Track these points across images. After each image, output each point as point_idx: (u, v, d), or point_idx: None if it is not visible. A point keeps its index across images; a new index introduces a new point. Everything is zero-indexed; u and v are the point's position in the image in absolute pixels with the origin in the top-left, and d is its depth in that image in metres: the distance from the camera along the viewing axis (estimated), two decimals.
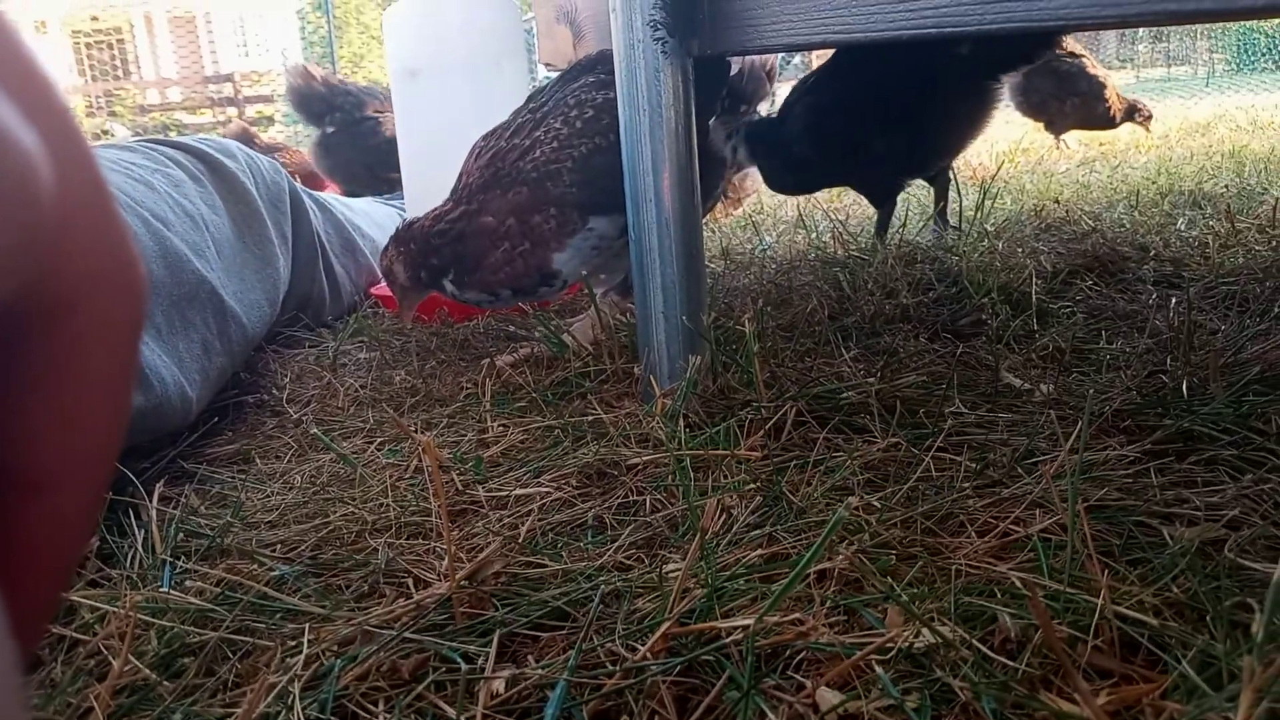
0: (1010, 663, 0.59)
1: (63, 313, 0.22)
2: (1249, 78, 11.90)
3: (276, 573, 0.75)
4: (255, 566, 0.77)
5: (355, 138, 2.92)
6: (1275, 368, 1.05)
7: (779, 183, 2.07)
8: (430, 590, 0.70)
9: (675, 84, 1.11)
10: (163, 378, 1.00)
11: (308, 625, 0.66)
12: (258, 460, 1.05)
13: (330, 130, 2.95)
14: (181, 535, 0.82)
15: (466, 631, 0.68)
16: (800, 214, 2.42)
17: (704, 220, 2.06)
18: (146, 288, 0.25)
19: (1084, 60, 3.62)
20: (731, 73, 1.55)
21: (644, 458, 0.93)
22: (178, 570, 0.77)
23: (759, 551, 0.72)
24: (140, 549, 0.81)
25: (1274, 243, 1.69)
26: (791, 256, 1.92)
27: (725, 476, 0.87)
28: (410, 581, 0.75)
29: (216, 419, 1.17)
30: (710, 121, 1.47)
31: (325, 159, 2.98)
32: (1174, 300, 1.35)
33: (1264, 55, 15.63)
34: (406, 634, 0.66)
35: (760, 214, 2.59)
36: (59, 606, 0.71)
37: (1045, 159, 3.57)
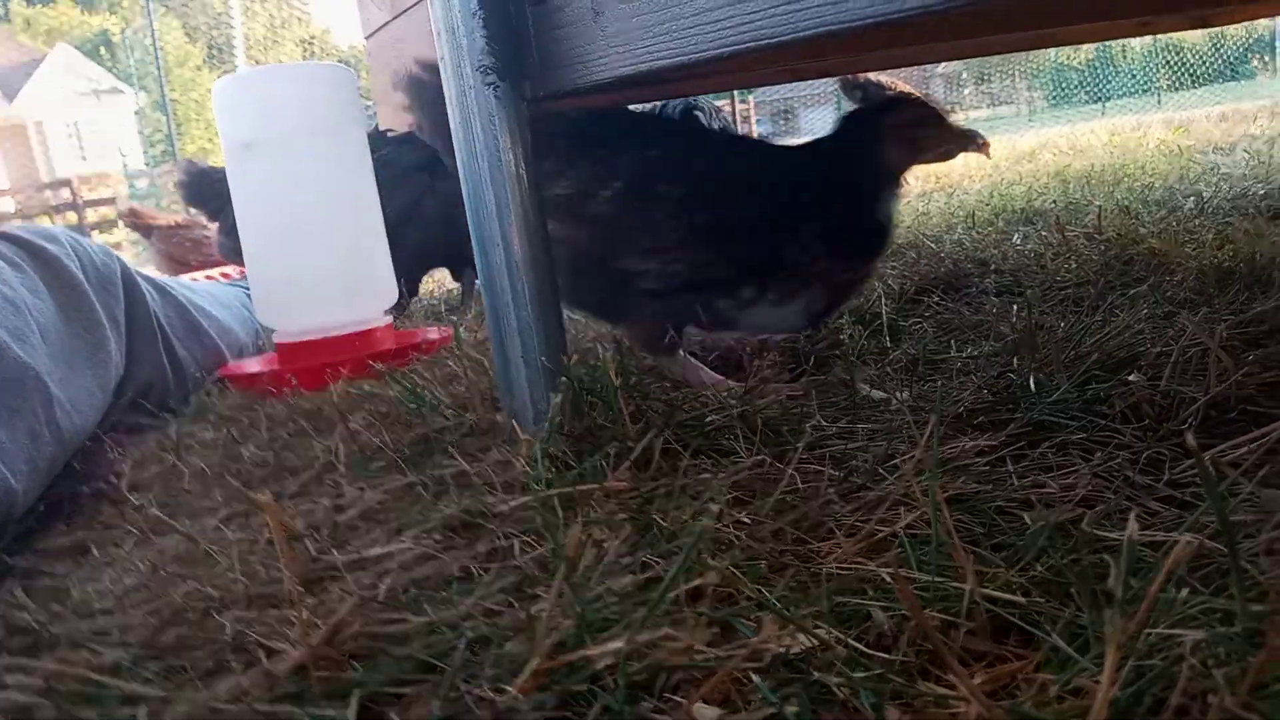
0: (886, 655, 0.58)
1: None
2: (1066, 110, 12.79)
3: (110, 659, 0.69)
4: (87, 655, 0.70)
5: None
6: (1113, 356, 1.10)
7: None
8: (281, 658, 0.65)
9: (512, 127, 1.11)
10: None
11: (144, 710, 0.60)
12: (95, 550, 0.97)
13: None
14: (2, 631, 0.75)
15: (324, 697, 0.63)
16: None
17: None
18: None
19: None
20: None
21: (511, 503, 0.90)
22: None
23: (629, 578, 0.70)
24: None
25: (1102, 248, 1.79)
26: None
27: (595, 511, 0.85)
28: (262, 655, 0.69)
29: (47, 512, 1.08)
30: None
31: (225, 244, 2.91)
32: (1015, 307, 1.41)
33: (1077, 89, 16.95)
34: (257, 706, 0.61)
35: None
36: None
37: None
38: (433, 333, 1.82)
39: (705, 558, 0.71)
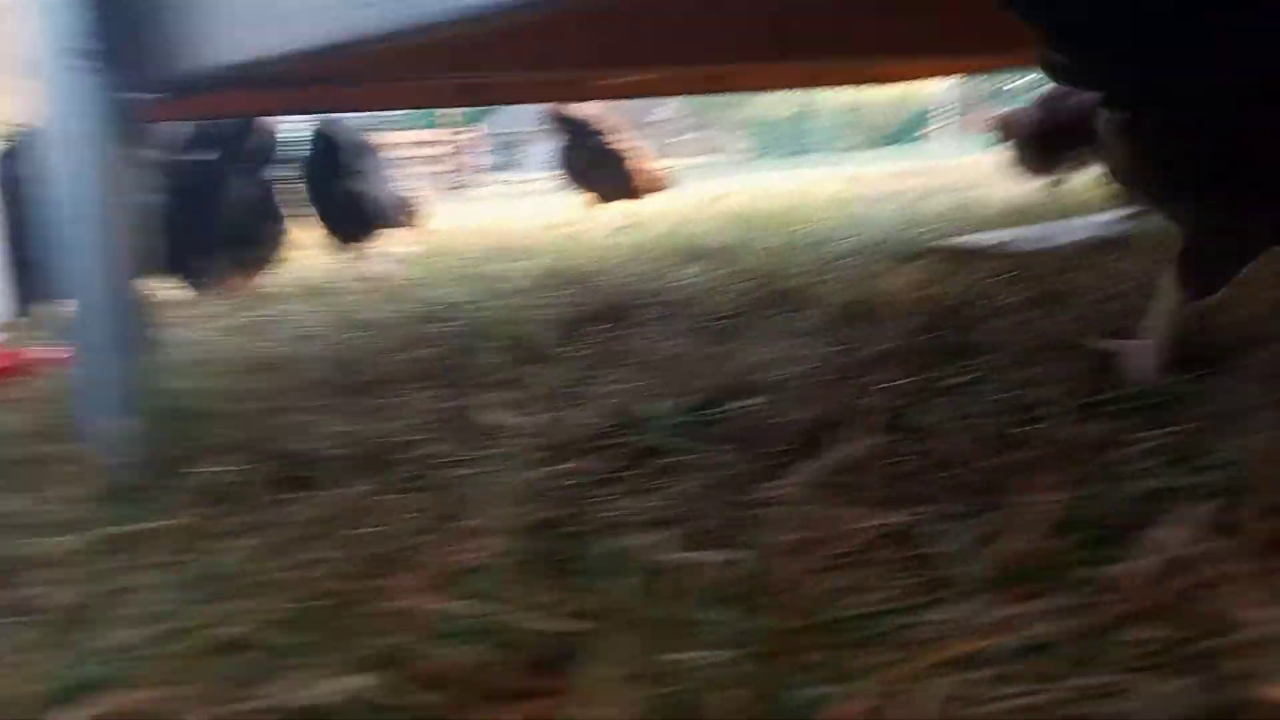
0: (428, 697, 0.54)
1: None
2: (771, 160, 13.96)
3: None
4: None
5: None
6: (736, 381, 1.13)
7: None
8: None
9: (111, 120, 0.99)
10: None
11: None
12: None
13: None
14: None
15: None
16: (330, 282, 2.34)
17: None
18: None
19: (610, 136, 3.90)
20: None
21: (61, 547, 0.79)
22: None
23: (155, 628, 0.62)
24: None
25: (754, 283, 1.88)
26: (312, 324, 1.83)
27: (152, 553, 0.75)
28: None
29: None
30: None
31: None
32: (664, 335, 1.44)
33: (783, 141, 18.45)
34: None
35: (290, 285, 2.47)
36: None
37: (585, 229, 3.79)
38: (47, 351, 1.61)
39: (254, 600, 0.64)
